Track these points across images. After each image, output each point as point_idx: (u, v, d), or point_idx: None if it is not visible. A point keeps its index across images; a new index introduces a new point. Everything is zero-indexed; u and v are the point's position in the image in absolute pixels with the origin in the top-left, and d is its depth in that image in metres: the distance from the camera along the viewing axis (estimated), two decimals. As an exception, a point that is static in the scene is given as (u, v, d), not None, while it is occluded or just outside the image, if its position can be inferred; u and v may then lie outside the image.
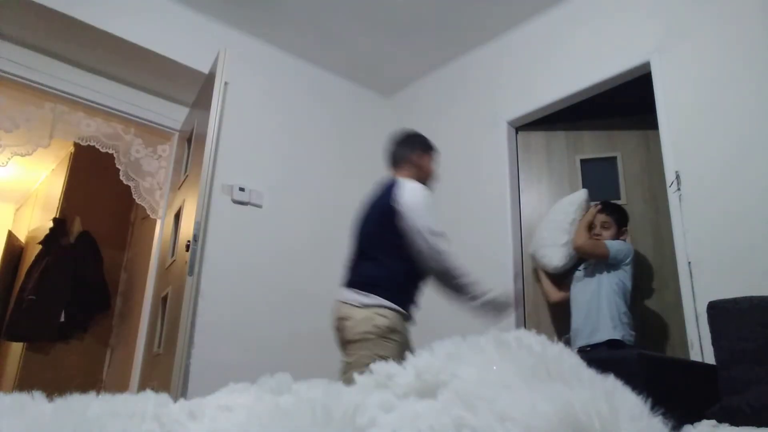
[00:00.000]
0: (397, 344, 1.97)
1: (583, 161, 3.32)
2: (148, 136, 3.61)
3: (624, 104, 3.28)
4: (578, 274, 2.89)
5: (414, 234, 2.03)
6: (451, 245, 2.07)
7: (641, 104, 2.99)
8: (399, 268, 2.07)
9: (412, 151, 2.34)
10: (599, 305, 2.66)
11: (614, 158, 3.26)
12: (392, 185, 2.18)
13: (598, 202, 2.97)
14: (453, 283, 2.07)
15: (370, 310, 1.99)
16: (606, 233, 2.83)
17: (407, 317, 2.09)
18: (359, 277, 2.11)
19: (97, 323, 4.17)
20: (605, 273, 2.72)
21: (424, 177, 2.34)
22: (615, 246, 2.73)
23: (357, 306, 2.02)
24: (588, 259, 2.86)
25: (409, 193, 2.09)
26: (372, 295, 2.01)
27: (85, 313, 4.07)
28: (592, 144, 3.34)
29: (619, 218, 2.87)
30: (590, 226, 2.87)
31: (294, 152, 3.76)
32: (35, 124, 3.20)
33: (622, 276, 2.70)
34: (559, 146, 3.40)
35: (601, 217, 2.87)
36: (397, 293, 2.04)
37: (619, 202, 3.12)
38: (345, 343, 2.08)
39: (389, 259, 2.08)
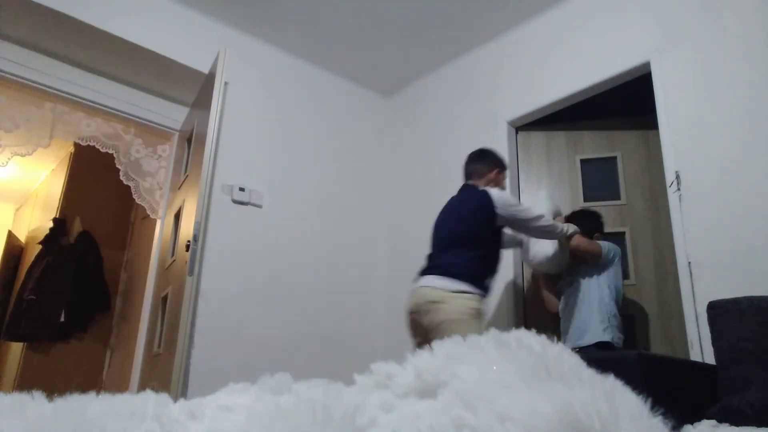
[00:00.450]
0: (482, 326, 2.29)
1: (583, 161, 3.33)
2: (148, 136, 3.61)
3: (624, 104, 3.28)
4: (567, 277, 2.87)
5: (525, 222, 2.56)
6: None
7: (641, 104, 2.99)
8: (483, 258, 2.48)
9: (490, 170, 2.73)
10: (590, 307, 2.65)
11: (614, 158, 3.26)
12: (480, 192, 2.59)
13: (562, 214, 2.97)
14: (557, 238, 2.69)
15: (463, 296, 2.32)
16: None
17: (485, 301, 2.43)
18: (449, 267, 2.42)
19: (97, 323, 4.17)
20: (595, 275, 2.71)
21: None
22: (604, 245, 2.75)
23: (449, 291, 2.33)
24: (580, 261, 2.81)
25: (503, 197, 2.58)
26: (462, 282, 2.34)
27: (85, 313, 4.07)
28: (592, 144, 3.34)
29: (588, 226, 2.83)
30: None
31: (294, 152, 3.76)
32: (35, 124, 3.20)
33: (612, 276, 2.70)
34: (559, 146, 3.41)
35: None
36: (481, 280, 2.40)
37: (618, 203, 3.12)
38: (431, 327, 2.31)
39: (476, 251, 2.46)
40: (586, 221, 2.86)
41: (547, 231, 2.63)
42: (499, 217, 2.51)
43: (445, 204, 2.75)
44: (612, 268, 2.72)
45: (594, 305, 2.64)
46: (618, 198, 3.16)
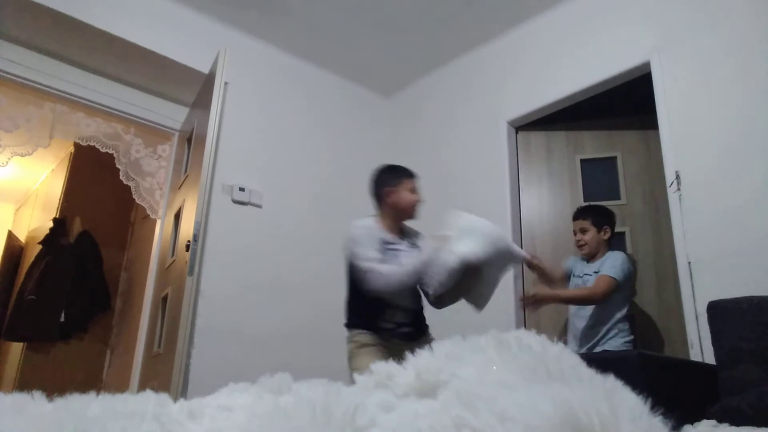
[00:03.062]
0: (370, 354, 2.23)
1: (583, 161, 3.33)
2: (148, 136, 3.61)
3: (624, 104, 3.28)
4: (577, 281, 2.77)
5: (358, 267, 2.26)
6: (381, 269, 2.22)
7: (641, 104, 2.99)
8: (355, 310, 2.37)
9: (381, 189, 2.43)
10: (603, 319, 2.59)
11: (614, 158, 3.26)
12: (348, 231, 2.39)
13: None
14: (418, 284, 2.32)
15: (348, 339, 2.35)
16: (586, 236, 2.75)
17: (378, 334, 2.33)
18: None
19: (97, 323, 4.17)
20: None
21: (401, 211, 2.41)
22: (617, 271, 2.57)
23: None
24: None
25: (353, 231, 2.31)
26: (348, 330, 2.35)
27: (85, 313, 4.07)
28: (592, 144, 3.34)
29: (596, 219, 2.76)
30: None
31: (294, 152, 3.76)
32: (35, 124, 3.20)
33: (626, 290, 2.65)
34: (559, 146, 3.41)
35: (577, 224, 2.81)
36: (358, 324, 2.33)
37: (618, 203, 3.12)
38: None
39: (350, 302, 2.39)
40: (594, 214, 2.77)
41: (376, 280, 2.19)
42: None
43: None
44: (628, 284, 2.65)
45: (609, 319, 2.59)
46: (618, 198, 3.16)
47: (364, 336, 2.30)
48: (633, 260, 2.86)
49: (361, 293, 2.28)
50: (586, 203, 3.05)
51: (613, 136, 3.30)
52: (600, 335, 2.59)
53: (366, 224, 2.39)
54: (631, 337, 2.60)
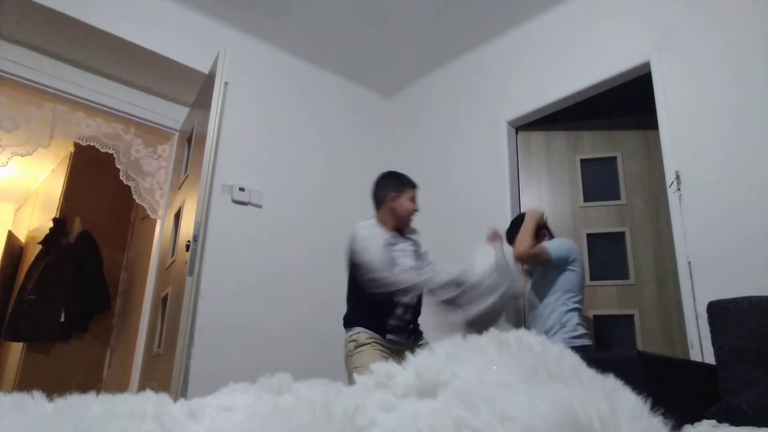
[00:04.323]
0: (369, 354, 2.28)
1: (583, 161, 3.33)
2: (148, 136, 3.61)
3: (624, 104, 3.28)
4: (531, 280, 2.77)
5: (360, 272, 2.35)
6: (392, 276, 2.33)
7: (641, 104, 2.99)
8: (360, 309, 2.43)
9: (385, 194, 2.55)
10: (543, 312, 2.57)
11: (614, 158, 3.26)
12: (352, 232, 2.47)
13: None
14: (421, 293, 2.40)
15: (347, 339, 2.40)
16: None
17: (370, 333, 2.37)
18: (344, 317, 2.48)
19: (97, 323, 4.17)
20: (551, 277, 2.60)
21: (399, 216, 2.53)
22: (554, 247, 2.60)
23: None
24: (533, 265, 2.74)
25: (360, 234, 2.41)
26: (348, 329, 2.41)
27: (85, 313, 4.07)
28: (592, 144, 3.35)
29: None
30: (537, 229, 2.73)
31: (294, 152, 3.76)
32: (35, 124, 3.20)
33: (570, 278, 2.57)
34: (559, 146, 3.41)
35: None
36: (363, 323, 2.37)
37: (618, 202, 3.13)
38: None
39: (352, 301, 2.46)
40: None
41: (384, 286, 2.30)
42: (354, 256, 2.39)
43: None
44: (570, 269, 2.57)
45: (548, 309, 2.55)
46: (618, 198, 3.17)
47: (363, 335, 2.34)
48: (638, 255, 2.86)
49: (373, 304, 2.36)
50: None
51: (614, 136, 3.30)
52: (545, 331, 2.49)
53: (369, 225, 2.49)
54: (579, 332, 2.49)
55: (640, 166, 3.18)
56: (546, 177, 3.39)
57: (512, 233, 2.77)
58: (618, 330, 2.98)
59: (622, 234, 3.09)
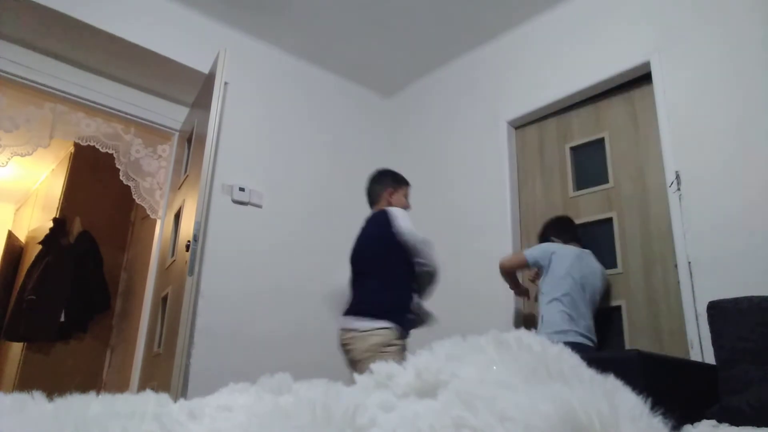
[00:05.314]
0: (391, 354, 2.24)
1: (572, 149, 3.26)
2: (148, 136, 3.61)
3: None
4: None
5: (414, 247, 2.40)
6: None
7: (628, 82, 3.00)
8: (393, 287, 2.40)
9: (385, 189, 2.66)
10: (538, 315, 2.68)
11: (602, 140, 3.13)
12: (378, 213, 2.55)
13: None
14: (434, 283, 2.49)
15: (371, 333, 2.31)
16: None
17: (402, 329, 2.35)
18: (358, 305, 2.43)
19: (97, 323, 4.17)
20: (542, 282, 2.71)
21: None
22: (530, 250, 2.76)
23: (359, 332, 2.33)
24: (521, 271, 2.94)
25: (398, 212, 2.48)
26: (371, 320, 2.32)
27: (85, 313, 4.07)
28: (581, 127, 3.23)
29: (567, 234, 2.85)
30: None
31: (294, 152, 3.76)
32: (35, 124, 3.20)
33: (551, 277, 2.64)
34: (550, 137, 3.37)
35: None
36: (394, 313, 2.34)
37: (606, 186, 3.02)
38: (352, 363, 2.37)
39: (384, 280, 2.42)
40: (555, 227, 2.91)
41: (424, 263, 2.41)
42: (397, 235, 2.42)
43: (356, 236, 2.66)
44: (549, 270, 2.67)
45: (540, 312, 2.66)
46: (606, 181, 3.05)
47: (393, 332, 2.30)
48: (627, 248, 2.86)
49: (405, 281, 2.40)
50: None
51: (600, 113, 3.19)
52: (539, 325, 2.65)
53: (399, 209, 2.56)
54: (562, 328, 2.50)
55: (628, 143, 3.02)
56: (539, 171, 3.37)
57: (552, 232, 2.90)
58: (604, 322, 2.88)
59: (610, 220, 2.98)
